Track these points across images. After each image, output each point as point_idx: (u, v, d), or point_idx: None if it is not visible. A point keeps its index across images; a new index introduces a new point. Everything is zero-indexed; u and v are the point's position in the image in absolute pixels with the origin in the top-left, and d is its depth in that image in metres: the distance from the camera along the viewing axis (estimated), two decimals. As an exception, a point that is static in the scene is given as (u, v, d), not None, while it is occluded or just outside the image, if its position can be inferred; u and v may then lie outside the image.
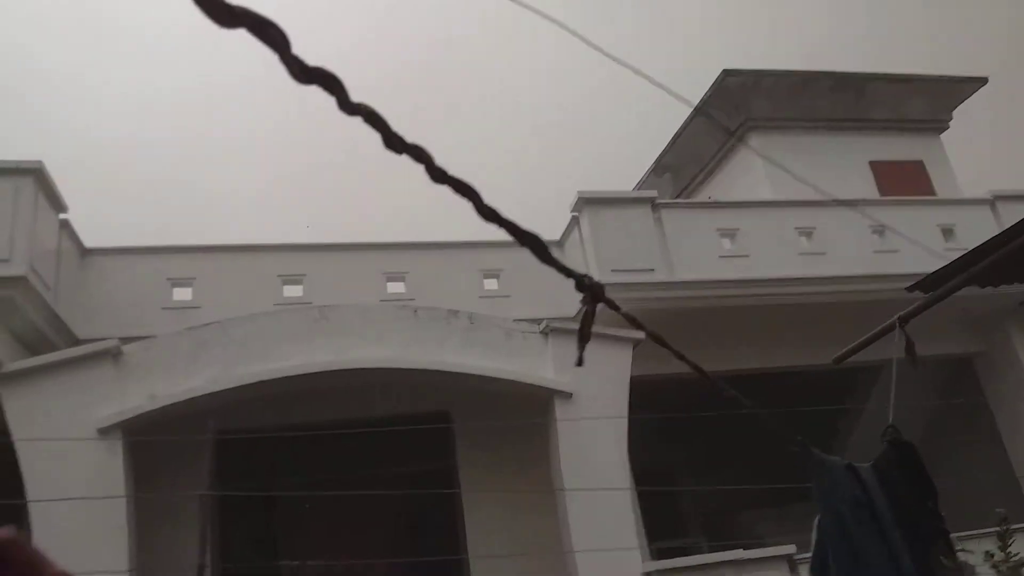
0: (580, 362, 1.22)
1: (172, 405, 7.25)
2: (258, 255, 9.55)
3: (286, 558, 8.48)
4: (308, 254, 9.67)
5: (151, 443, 7.23)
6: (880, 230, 10.37)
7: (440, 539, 8.80)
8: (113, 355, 7.30)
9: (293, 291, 9.34)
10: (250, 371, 7.48)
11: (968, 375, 11.51)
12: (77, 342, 8.03)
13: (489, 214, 1.01)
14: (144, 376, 7.32)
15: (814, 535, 2.86)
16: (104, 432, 6.97)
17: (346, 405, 8.28)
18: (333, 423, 8.02)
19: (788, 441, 2.65)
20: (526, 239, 1.06)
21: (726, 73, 12.93)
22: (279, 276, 9.34)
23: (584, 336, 1.21)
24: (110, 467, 6.91)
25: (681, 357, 2.23)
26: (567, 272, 1.16)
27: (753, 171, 12.98)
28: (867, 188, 12.96)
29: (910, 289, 3.99)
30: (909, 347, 3.36)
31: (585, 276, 1.19)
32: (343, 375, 7.75)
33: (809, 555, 2.98)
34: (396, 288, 9.67)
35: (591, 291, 1.18)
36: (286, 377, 7.52)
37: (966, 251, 3.66)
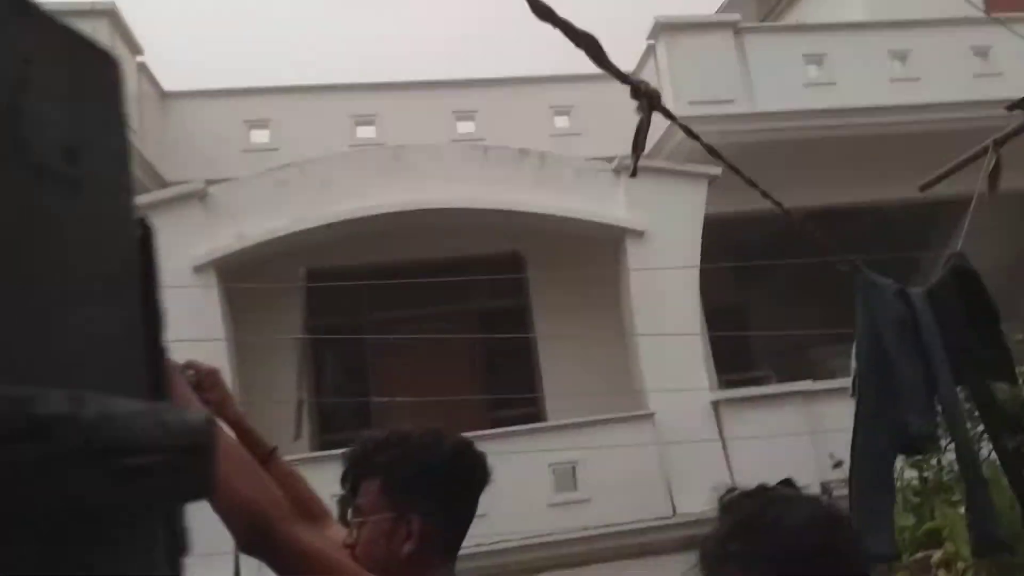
0: (634, 172, 1.23)
1: (259, 244, 7.60)
2: (330, 95, 9.57)
3: (374, 393, 9.00)
4: (378, 93, 9.64)
5: (245, 283, 7.66)
6: (983, 51, 9.52)
7: (516, 375, 9.21)
8: (200, 196, 7.62)
9: (366, 132, 9.42)
10: (330, 211, 7.71)
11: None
12: (164, 184, 8.39)
13: (544, 11, 0.99)
14: (231, 216, 7.65)
15: (853, 362, 2.75)
16: (199, 270, 7.42)
17: (424, 244, 8.50)
18: (413, 262, 8.29)
19: (844, 263, 2.60)
20: (581, 39, 1.04)
21: None
22: (351, 116, 9.39)
23: (638, 145, 1.21)
24: (207, 303, 7.40)
25: (754, 185, 2.19)
26: (622, 77, 1.14)
27: (846, -10, 11.92)
28: (972, 5, 11.75)
29: (1010, 108, 3.67)
30: (994, 171, 3.13)
31: (641, 82, 1.17)
32: (417, 215, 7.91)
33: None
34: (466, 128, 9.60)
35: (647, 98, 1.16)
36: (364, 217, 7.74)
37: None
